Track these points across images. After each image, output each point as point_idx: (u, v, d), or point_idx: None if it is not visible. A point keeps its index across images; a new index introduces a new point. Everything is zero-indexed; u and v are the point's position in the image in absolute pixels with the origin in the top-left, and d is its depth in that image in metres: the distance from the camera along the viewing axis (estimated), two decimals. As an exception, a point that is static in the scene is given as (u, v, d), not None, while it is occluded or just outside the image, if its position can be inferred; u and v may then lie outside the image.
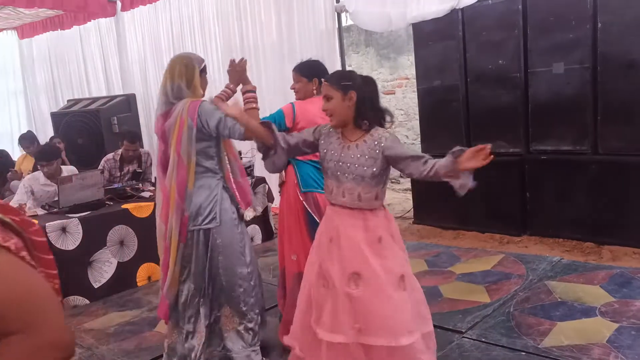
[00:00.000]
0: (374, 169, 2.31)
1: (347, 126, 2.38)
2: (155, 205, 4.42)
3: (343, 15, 5.98)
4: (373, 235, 2.33)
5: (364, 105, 2.32)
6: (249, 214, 3.01)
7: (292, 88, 3.29)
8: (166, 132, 2.83)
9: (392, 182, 7.91)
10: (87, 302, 4.34)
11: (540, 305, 3.50)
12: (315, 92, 3.14)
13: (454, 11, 4.92)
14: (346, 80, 2.35)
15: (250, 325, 2.94)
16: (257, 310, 3.01)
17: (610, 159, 4.50)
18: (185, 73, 2.83)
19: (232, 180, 2.98)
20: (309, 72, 3.22)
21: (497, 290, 3.83)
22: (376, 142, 2.31)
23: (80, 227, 4.30)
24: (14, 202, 4.73)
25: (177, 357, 2.95)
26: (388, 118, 2.41)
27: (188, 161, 2.78)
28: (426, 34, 5.45)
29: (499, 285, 3.91)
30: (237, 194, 2.99)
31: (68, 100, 8.19)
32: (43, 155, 4.87)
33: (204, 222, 2.83)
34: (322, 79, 2.62)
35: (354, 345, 2.29)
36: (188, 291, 2.89)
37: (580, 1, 4.45)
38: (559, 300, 3.54)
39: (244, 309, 2.92)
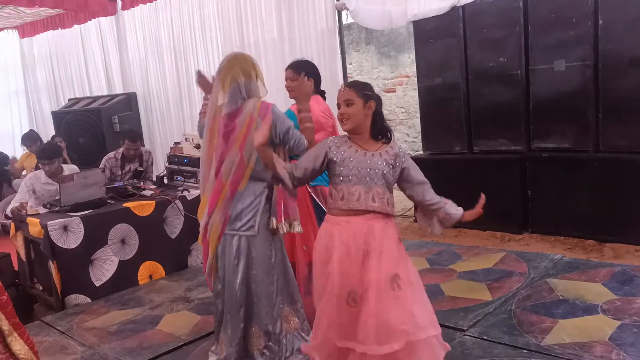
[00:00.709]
0: (393, 179, 2.45)
1: (360, 135, 2.43)
2: (155, 204, 4.46)
3: (343, 13, 5.97)
4: (396, 236, 2.47)
5: (379, 117, 2.45)
6: (284, 227, 2.97)
7: (287, 87, 3.29)
8: (234, 129, 2.79)
9: (393, 180, 7.91)
10: (89, 300, 4.34)
11: (542, 303, 3.50)
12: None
13: (454, 8, 4.92)
14: (368, 90, 2.44)
15: (270, 344, 2.91)
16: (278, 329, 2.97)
17: (611, 157, 4.50)
18: (257, 71, 2.86)
19: (280, 189, 2.87)
20: (310, 70, 3.24)
21: (498, 288, 3.82)
22: (397, 155, 2.43)
23: (81, 225, 4.29)
24: (15, 201, 4.74)
25: None
26: (391, 135, 2.51)
27: (248, 161, 2.77)
28: (427, 32, 5.44)
29: (501, 283, 3.91)
30: (281, 204, 2.93)
31: (69, 99, 8.21)
32: (44, 154, 4.87)
33: (242, 228, 2.82)
34: (342, 85, 2.63)
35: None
36: (223, 301, 2.91)
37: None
38: (561, 298, 3.53)
39: (270, 328, 2.89)
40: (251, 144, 2.68)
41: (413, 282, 2.43)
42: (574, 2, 4.51)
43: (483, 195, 2.49)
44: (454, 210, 2.51)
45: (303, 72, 3.20)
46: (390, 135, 2.49)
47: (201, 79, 3.16)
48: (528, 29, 4.78)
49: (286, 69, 3.47)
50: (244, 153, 2.76)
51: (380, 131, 2.44)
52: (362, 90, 2.41)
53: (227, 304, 2.89)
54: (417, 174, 2.50)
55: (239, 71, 2.80)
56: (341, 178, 2.41)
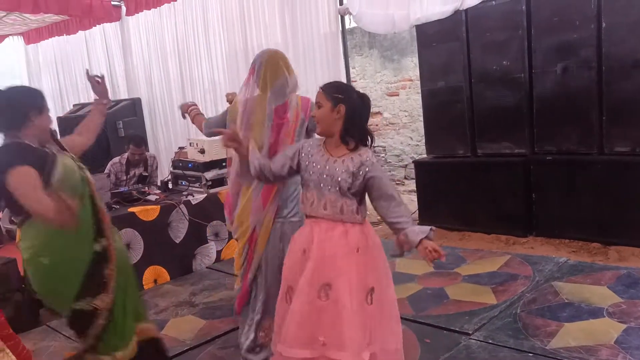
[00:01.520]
0: (354, 187, 2.31)
1: (331, 138, 2.37)
2: (160, 208, 4.46)
3: (346, 17, 5.98)
4: (351, 246, 2.32)
5: (351, 122, 2.32)
6: None
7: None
8: (286, 122, 2.88)
9: (396, 184, 7.91)
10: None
11: (547, 306, 3.49)
12: None
13: (457, 12, 4.91)
14: (339, 92, 2.34)
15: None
16: None
17: (616, 159, 4.50)
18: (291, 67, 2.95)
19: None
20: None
21: (503, 291, 3.82)
22: (362, 164, 2.30)
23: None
24: None
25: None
26: (369, 141, 2.39)
27: None
28: (430, 36, 5.45)
29: (506, 286, 3.90)
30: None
31: (74, 105, 8.23)
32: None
33: (288, 216, 2.91)
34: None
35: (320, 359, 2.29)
36: (259, 286, 2.95)
37: (584, 1, 4.45)
38: (566, 301, 3.53)
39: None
40: (297, 137, 2.88)
41: (352, 297, 2.26)
42: (577, 4, 4.51)
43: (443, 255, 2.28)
44: (413, 235, 2.24)
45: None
46: (368, 142, 2.38)
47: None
48: (531, 32, 4.79)
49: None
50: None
51: (350, 137, 2.33)
52: (332, 93, 2.33)
53: (270, 287, 2.90)
54: (383, 186, 2.31)
55: (283, 66, 2.87)
56: (303, 182, 2.42)
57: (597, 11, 4.40)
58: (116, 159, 5.63)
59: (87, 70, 3.18)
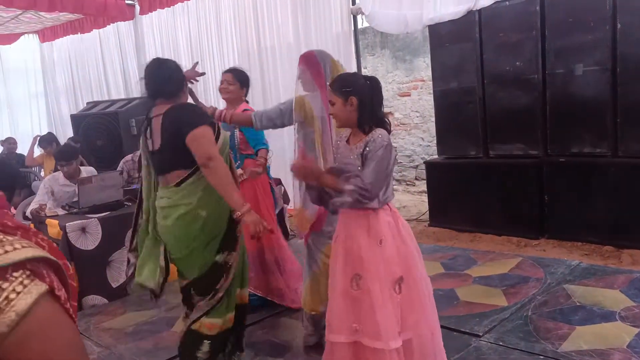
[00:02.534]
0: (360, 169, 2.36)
1: (353, 129, 2.46)
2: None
3: (359, 17, 5.98)
4: (375, 237, 2.36)
5: (365, 109, 2.38)
6: None
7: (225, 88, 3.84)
8: None
9: (407, 184, 7.89)
10: (106, 301, 4.39)
11: (559, 309, 3.47)
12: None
13: (470, 12, 4.90)
14: (347, 86, 2.39)
15: None
16: None
17: (630, 162, 4.46)
18: None
19: None
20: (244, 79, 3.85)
21: (514, 293, 3.80)
22: (367, 143, 2.35)
23: (99, 227, 4.35)
24: (34, 203, 4.80)
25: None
26: (386, 122, 2.45)
27: None
28: (442, 36, 5.43)
29: (517, 288, 3.88)
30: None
31: (87, 103, 8.28)
32: (62, 156, 4.92)
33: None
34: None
35: (355, 344, 2.38)
36: None
37: (599, 2, 4.42)
38: (578, 304, 3.50)
39: None
40: None
41: (382, 286, 2.32)
42: (592, 5, 4.48)
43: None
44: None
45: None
46: (384, 124, 2.42)
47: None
48: (545, 32, 4.75)
49: (225, 72, 3.88)
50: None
51: (366, 123, 2.38)
52: (341, 89, 2.39)
53: None
54: (368, 162, 2.31)
55: (340, 66, 3.07)
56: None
57: (612, 12, 4.37)
58: (128, 157, 5.66)
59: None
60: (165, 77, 2.72)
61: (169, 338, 3.64)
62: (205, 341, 2.72)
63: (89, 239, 4.29)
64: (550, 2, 4.71)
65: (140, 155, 2.98)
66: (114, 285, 4.45)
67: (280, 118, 3.23)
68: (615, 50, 4.40)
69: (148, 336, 3.73)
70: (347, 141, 2.47)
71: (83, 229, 4.26)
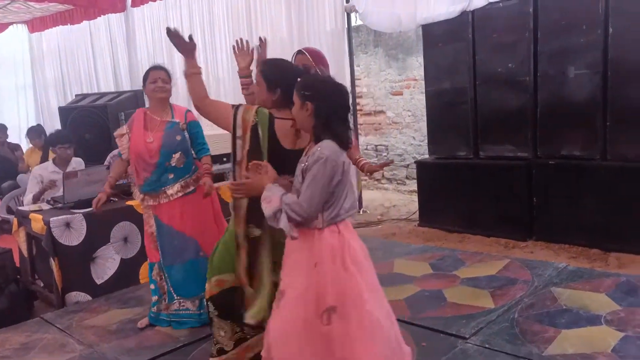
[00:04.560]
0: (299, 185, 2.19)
1: (310, 137, 2.30)
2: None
3: (352, 15, 5.95)
4: (309, 260, 2.19)
5: (319, 118, 2.19)
6: None
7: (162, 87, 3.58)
8: None
9: (397, 183, 7.88)
10: (90, 298, 4.33)
11: (546, 312, 3.46)
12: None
13: (464, 13, 4.88)
14: (307, 89, 2.23)
15: None
16: None
17: (619, 165, 4.46)
18: None
19: None
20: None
21: (501, 295, 3.78)
22: (308, 157, 2.19)
23: (84, 222, 4.28)
24: (27, 194, 4.77)
25: None
26: (343, 140, 2.21)
27: None
28: (436, 36, 5.42)
29: (504, 290, 3.87)
30: None
31: (76, 95, 8.20)
32: (59, 138, 4.95)
33: None
34: None
35: None
36: None
37: (592, 5, 4.41)
38: (564, 307, 3.49)
39: None
40: None
41: (306, 311, 2.17)
42: (585, 8, 4.47)
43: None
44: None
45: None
46: (342, 140, 2.20)
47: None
48: (537, 34, 4.75)
49: (160, 70, 3.60)
50: None
51: (320, 133, 2.19)
52: (301, 90, 2.23)
53: None
54: (305, 180, 2.14)
55: None
56: None
57: (604, 15, 4.37)
58: (116, 151, 5.55)
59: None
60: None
61: (153, 337, 3.61)
62: None
63: (74, 234, 4.23)
64: (543, 4, 4.71)
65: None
66: (99, 281, 4.39)
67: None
68: (607, 54, 4.40)
69: (132, 334, 3.67)
70: (307, 151, 2.29)
71: (67, 224, 4.20)
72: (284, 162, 2.44)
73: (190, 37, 2.66)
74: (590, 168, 4.61)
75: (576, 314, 3.38)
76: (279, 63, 2.68)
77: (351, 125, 2.34)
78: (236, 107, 2.57)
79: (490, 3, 4.70)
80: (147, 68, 3.72)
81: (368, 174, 3.06)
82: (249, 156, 2.50)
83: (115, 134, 3.79)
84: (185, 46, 2.63)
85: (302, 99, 2.22)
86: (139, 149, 3.53)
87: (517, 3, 4.82)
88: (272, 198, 2.15)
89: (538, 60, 4.78)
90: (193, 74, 2.64)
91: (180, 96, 7.56)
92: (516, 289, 3.86)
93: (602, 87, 4.46)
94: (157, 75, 3.56)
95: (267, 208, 2.15)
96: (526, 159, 4.98)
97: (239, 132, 2.54)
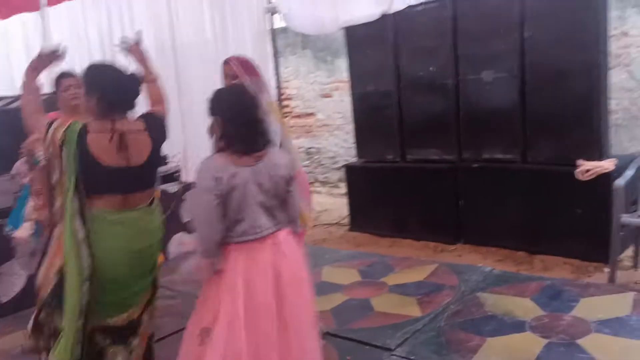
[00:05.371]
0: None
1: None
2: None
3: (277, 16, 5.78)
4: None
5: (224, 132, 2.31)
6: None
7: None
8: None
9: (330, 187, 7.79)
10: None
11: (471, 319, 3.43)
12: None
13: (385, 16, 4.81)
14: (213, 105, 2.33)
15: None
16: None
17: (539, 168, 4.51)
18: None
19: None
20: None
21: (429, 302, 3.74)
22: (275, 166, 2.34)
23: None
24: None
25: None
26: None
27: None
28: (359, 38, 5.38)
29: (431, 297, 3.82)
30: None
31: (-13, 98, 7.73)
32: None
33: None
34: None
35: None
36: None
37: (507, 10, 4.44)
38: (489, 314, 3.47)
39: None
40: None
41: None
42: (501, 13, 4.48)
43: None
44: None
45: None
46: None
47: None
48: (457, 38, 4.75)
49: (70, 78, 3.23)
50: None
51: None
52: (209, 106, 2.32)
53: None
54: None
55: None
56: None
57: (519, 21, 4.39)
58: (22, 159, 5.23)
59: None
60: (137, 89, 2.45)
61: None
62: None
63: None
64: (462, 9, 4.71)
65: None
66: (4, 299, 4.09)
67: None
68: (524, 59, 4.43)
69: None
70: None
71: None
72: (106, 181, 2.33)
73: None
74: (512, 171, 4.64)
75: (501, 321, 3.37)
76: (100, 67, 2.52)
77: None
78: (49, 124, 2.34)
79: (410, 6, 4.64)
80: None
81: None
82: (61, 178, 2.36)
83: (28, 140, 3.48)
84: (42, 63, 2.59)
85: (212, 114, 2.30)
86: None
87: (436, 7, 4.79)
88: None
89: (459, 64, 4.77)
90: (34, 88, 2.48)
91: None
92: (443, 295, 3.83)
93: (521, 91, 4.49)
94: (69, 83, 3.25)
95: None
96: (451, 162, 4.97)
97: (53, 152, 2.36)
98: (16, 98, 7.26)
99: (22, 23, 8.15)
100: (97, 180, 2.29)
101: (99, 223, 2.31)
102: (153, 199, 2.50)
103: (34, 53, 7.31)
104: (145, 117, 2.51)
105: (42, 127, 2.32)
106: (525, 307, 3.51)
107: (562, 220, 4.36)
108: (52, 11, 7.50)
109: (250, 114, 2.26)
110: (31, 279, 4.17)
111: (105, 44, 7.12)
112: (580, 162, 4.14)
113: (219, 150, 2.30)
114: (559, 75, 4.29)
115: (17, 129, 6.49)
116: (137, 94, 2.44)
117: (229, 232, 2.20)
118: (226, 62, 3.13)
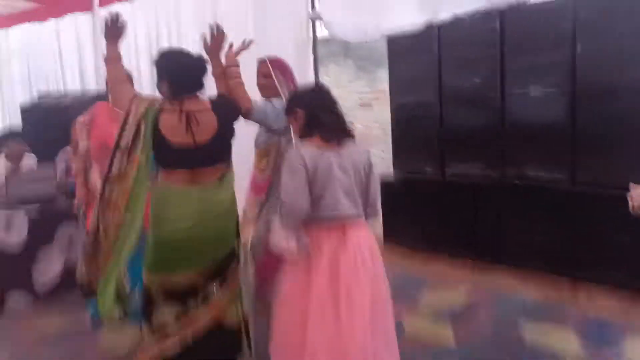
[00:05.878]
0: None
1: None
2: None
3: (319, 24, 5.73)
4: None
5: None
6: None
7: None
8: None
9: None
10: (30, 300, 4.14)
11: (507, 351, 3.26)
12: None
13: (430, 27, 4.68)
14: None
15: None
16: None
17: (587, 190, 4.25)
18: None
19: None
20: None
21: (463, 329, 3.58)
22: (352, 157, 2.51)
23: (26, 220, 4.10)
24: None
25: None
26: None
27: None
28: (401, 48, 5.27)
29: (466, 322, 3.67)
30: None
31: (39, 93, 8.03)
32: (11, 134, 4.94)
33: None
34: None
35: None
36: None
37: (559, 22, 4.24)
38: (528, 345, 3.30)
39: None
40: None
41: None
42: (552, 26, 4.27)
43: None
44: None
45: None
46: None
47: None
48: (504, 51, 4.57)
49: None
50: None
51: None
52: (290, 102, 2.55)
53: None
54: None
55: None
56: None
57: (572, 34, 4.18)
58: (68, 148, 5.36)
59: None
60: (203, 68, 2.60)
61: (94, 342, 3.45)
62: None
63: (14, 232, 4.01)
64: (510, 20, 4.53)
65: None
66: (40, 282, 4.19)
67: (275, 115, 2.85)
68: (575, 74, 4.22)
69: (73, 341, 3.50)
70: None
71: (8, 222, 4.00)
72: (174, 157, 2.49)
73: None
74: (557, 191, 4.39)
75: (540, 355, 3.17)
76: (168, 53, 2.67)
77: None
78: (134, 96, 2.55)
79: (456, 16, 4.49)
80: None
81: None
82: (132, 145, 2.48)
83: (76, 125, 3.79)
84: (111, 32, 2.67)
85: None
86: (104, 138, 3.42)
87: (483, 18, 4.58)
88: None
89: (505, 77, 4.59)
90: (113, 58, 2.66)
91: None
92: (478, 323, 3.65)
93: (570, 107, 4.27)
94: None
95: None
96: (493, 178, 4.77)
97: (131, 120, 2.49)
98: (65, 94, 7.49)
99: (74, 22, 8.38)
100: (166, 156, 2.50)
101: (165, 195, 2.49)
102: (223, 174, 2.60)
103: (85, 52, 7.55)
104: (215, 98, 2.70)
105: (127, 99, 2.52)
106: (566, 341, 3.32)
107: (609, 247, 4.09)
108: (103, 12, 7.72)
109: (333, 104, 2.46)
110: (68, 263, 4.27)
111: (152, 47, 7.26)
112: (633, 185, 3.87)
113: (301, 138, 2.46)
114: (612, 93, 4.05)
115: (64, 123, 6.73)
116: (203, 72, 2.59)
117: (313, 208, 2.30)
118: (262, 60, 3.27)
